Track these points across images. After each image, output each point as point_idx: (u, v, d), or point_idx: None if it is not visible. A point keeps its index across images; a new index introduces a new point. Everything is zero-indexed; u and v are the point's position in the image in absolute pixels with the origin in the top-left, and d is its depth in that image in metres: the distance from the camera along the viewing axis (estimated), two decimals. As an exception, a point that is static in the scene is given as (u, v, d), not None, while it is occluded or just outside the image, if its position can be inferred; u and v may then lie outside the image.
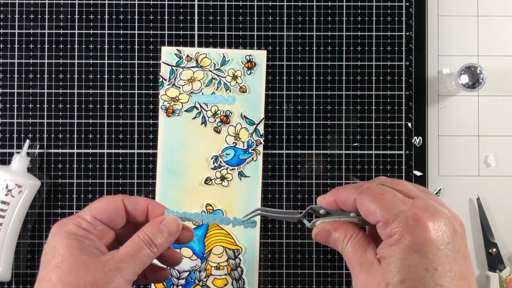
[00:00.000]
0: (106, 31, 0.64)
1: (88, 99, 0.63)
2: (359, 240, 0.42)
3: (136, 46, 0.64)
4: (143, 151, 0.63)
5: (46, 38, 0.63)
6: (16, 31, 0.63)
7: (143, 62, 0.64)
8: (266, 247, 0.63)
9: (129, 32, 0.64)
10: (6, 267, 0.60)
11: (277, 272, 0.63)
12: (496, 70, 0.65)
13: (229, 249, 0.62)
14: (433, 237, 0.39)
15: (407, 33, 0.64)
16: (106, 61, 0.63)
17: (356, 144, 0.64)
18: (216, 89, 0.63)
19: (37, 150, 0.63)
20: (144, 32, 0.64)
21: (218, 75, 0.63)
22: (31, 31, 0.63)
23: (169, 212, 0.46)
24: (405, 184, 0.43)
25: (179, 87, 0.63)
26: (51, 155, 0.63)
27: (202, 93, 0.63)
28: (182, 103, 0.63)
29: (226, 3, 0.64)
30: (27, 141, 0.62)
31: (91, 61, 0.63)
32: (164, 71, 0.63)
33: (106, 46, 0.64)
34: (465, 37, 0.66)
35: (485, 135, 0.66)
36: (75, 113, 0.63)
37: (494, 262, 0.64)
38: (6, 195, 0.59)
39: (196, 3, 0.64)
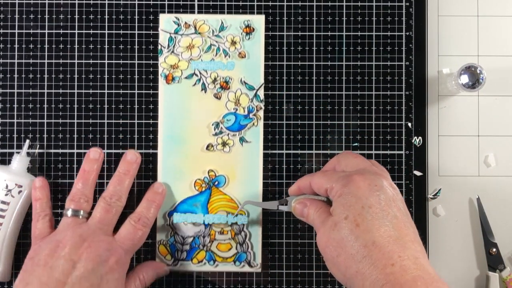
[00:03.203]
0: (106, 31, 0.64)
1: (88, 99, 0.63)
2: (323, 209, 0.54)
3: (136, 46, 0.64)
4: (143, 151, 0.63)
5: (46, 38, 0.63)
6: (16, 31, 0.63)
7: (143, 62, 0.64)
8: (266, 247, 0.63)
9: (129, 32, 0.64)
10: (6, 267, 0.60)
11: (277, 272, 0.63)
12: (496, 70, 0.65)
13: (232, 214, 0.62)
14: (363, 186, 0.51)
15: (407, 33, 0.64)
16: (106, 61, 0.63)
17: (356, 144, 0.64)
18: (215, 55, 0.63)
19: (37, 150, 0.63)
20: (144, 32, 0.64)
21: (216, 41, 0.63)
22: (31, 31, 0.63)
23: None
24: (360, 158, 0.56)
25: (178, 54, 0.63)
26: (51, 155, 0.63)
27: (201, 60, 0.63)
28: (181, 70, 0.63)
29: None
30: (27, 141, 0.62)
31: (91, 61, 0.63)
32: (163, 38, 0.63)
33: (106, 46, 0.64)
34: (465, 37, 0.66)
35: (485, 135, 0.66)
36: (75, 113, 0.63)
37: (494, 262, 0.64)
38: (6, 195, 0.59)
39: None
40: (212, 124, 0.63)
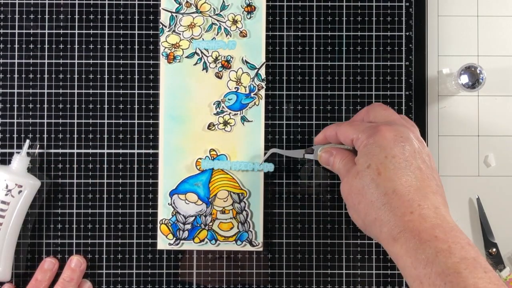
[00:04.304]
0: (106, 31, 0.64)
1: (88, 99, 0.63)
2: (349, 159, 0.54)
3: (136, 46, 0.64)
4: (143, 151, 0.63)
5: (46, 38, 0.63)
6: (16, 31, 0.63)
7: (143, 62, 0.64)
8: (266, 247, 0.63)
9: (129, 32, 0.64)
10: (6, 267, 0.60)
11: (277, 272, 0.63)
12: (496, 70, 0.65)
13: (234, 193, 0.63)
14: (389, 136, 0.50)
15: (407, 33, 0.64)
16: (106, 61, 0.63)
17: (356, 144, 0.64)
18: (217, 35, 0.63)
19: (37, 150, 0.63)
20: (144, 32, 0.64)
21: (218, 20, 0.63)
22: (31, 31, 0.63)
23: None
24: (390, 111, 0.56)
25: (179, 33, 0.63)
26: (51, 155, 0.63)
27: (203, 39, 0.63)
28: (182, 49, 0.63)
29: None
30: (27, 141, 0.62)
31: (91, 61, 0.63)
32: (164, 17, 0.63)
33: (106, 46, 0.64)
34: (465, 37, 0.66)
35: (485, 135, 0.66)
36: (75, 113, 0.63)
37: (494, 262, 0.64)
38: (6, 195, 0.59)
39: None
40: (214, 103, 0.63)
